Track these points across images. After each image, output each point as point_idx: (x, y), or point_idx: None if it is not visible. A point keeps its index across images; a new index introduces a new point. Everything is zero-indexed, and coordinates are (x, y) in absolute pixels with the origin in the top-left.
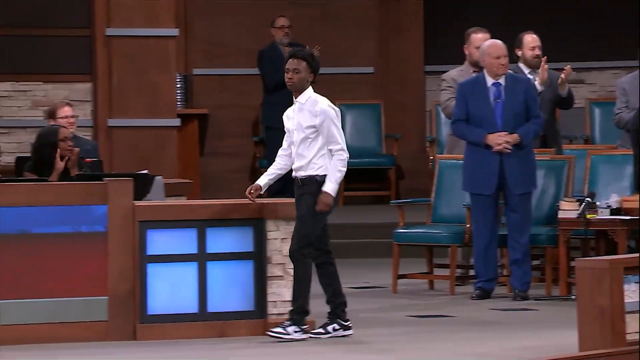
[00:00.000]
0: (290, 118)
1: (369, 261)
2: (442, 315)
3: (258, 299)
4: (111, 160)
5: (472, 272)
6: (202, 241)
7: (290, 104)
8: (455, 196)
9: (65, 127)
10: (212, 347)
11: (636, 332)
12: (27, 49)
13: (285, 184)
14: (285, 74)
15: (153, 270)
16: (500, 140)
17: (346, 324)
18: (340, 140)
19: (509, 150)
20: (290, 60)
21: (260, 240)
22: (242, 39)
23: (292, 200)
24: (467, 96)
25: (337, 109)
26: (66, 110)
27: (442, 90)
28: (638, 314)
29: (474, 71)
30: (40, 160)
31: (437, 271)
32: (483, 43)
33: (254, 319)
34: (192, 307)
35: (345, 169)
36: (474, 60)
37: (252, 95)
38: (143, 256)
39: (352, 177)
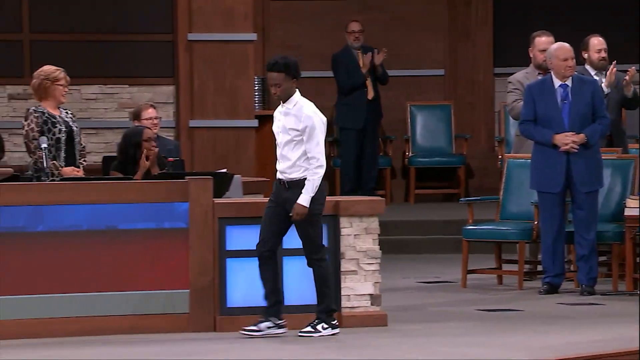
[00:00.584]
0: (276, 120)
1: (439, 257)
2: (511, 309)
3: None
4: (192, 159)
5: (539, 268)
6: None
7: (364, 104)
8: (523, 194)
9: (149, 128)
10: (287, 339)
11: None
12: (113, 54)
13: (360, 183)
14: (270, 90)
15: (232, 264)
16: (567, 140)
17: (280, 322)
18: (318, 149)
19: (575, 150)
20: (269, 75)
21: (335, 236)
22: (316, 43)
23: (367, 197)
24: (535, 97)
25: (323, 117)
26: (150, 112)
27: (508, 92)
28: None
29: (539, 73)
30: (126, 159)
31: (506, 267)
32: (549, 46)
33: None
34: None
35: (318, 177)
36: (538, 63)
37: (326, 97)
38: (222, 251)
39: (423, 176)
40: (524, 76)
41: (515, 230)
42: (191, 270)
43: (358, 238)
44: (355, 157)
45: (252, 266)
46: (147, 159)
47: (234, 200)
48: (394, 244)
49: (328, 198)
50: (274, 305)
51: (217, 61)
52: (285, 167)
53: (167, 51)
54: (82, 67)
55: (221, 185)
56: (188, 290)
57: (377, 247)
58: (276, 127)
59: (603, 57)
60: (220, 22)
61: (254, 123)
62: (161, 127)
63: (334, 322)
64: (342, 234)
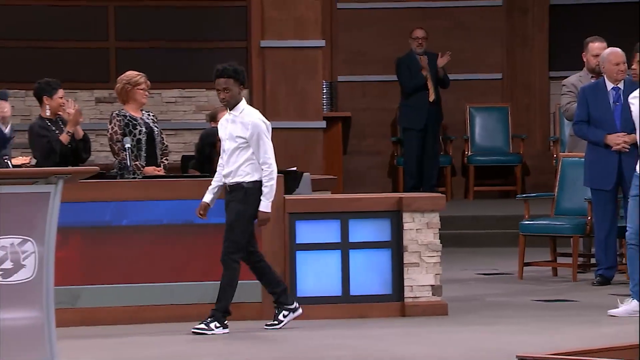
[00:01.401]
0: (223, 128)
1: (496, 250)
2: (565, 300)
3: (395, 283)
4: None
5: (593, 261)
6: (344, 231)
7: (425, 106)
8: (576, 191)
9: None
10: (354, 327)
11: None
12: (191, 60)
13: (422, 180)
14: (217, 94)
15: (301, 257)
16: (619, 140)
17: (292, 306)
18: (268, 154)
19: (627, 150)
20: (217, 80)
21: (398, 230)
22: (381, 49)
23: (428, 194)
24: (589, 99)
25: (267, 122)
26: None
27: (562, 94)
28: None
29: (592, 77)
30: (202, 158)
31: (560, 259)
32: (601, 51)
33: (392, 302)
34: (336, 290)
35: (272, 182)
36: (591, 67)
37: (390, 99)
38: (292, 244)
39: (482, 174)
40: (577, 79)
41: (570, 225)
42: None
43: (420, 232)
44: (417, 156)
45: (320, 258)
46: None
47: (304, 196)
48: (454, 238)
49: (392, 194)
50: (280, 296)
51: (288, 66)
52: (230, 172)
53: (241, 57)
54: (162, 73)
55: (291, 182)
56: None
57: (438, 241)
58: (223, 134)
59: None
60: (290, 29)
61: (322, 124)
62: None
63: (226, 323)
64: (404, 228)
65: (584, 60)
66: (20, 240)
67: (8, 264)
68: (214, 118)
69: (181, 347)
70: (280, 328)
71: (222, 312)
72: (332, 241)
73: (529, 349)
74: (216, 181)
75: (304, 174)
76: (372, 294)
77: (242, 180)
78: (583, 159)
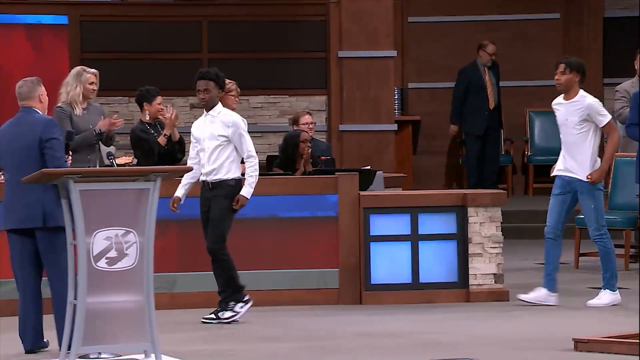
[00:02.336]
0: (200, 129)
1: None
2: (618, 287)
3: (461, 272)
4: (341, 158)
5: None
6: (414, 224)
7: (485, 113)
8: (629, 187)
9: (305, 131)
10: (423, 311)
11: None
12: (276, 70)
13: (483, 179)
14: (197, 94)
15: (375, 247)
16: None
17: (245, 298)
18: (250, 148)
19: None
20: (199, 81)
21: (463, 223)
22: (448, 58)
23: (491, 190)
24: None
25: (244, 120)
26: (307, 118)
27: (616, 100)
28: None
29: None
30: (286, 158)
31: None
32: None
33: (457, 289)
34: (406, 278)
35: (257, 173)
36: None
37: None
38: (367, 236)
39: (541, 172)
40: (630, 85)
41: (622, 218)
42: (341, 252)
43: (483, 225)
44: (477, 158)
45: (391, 249)
46: (301, 157)
47: (377, 192)
48: (515, 231)
49: (458, 191)
50: (233, 294)
51: (363, 74)
52: (212, 170)
53: (320, 66)
54: (250, 81)
55: (366, 180)
56: (338, 269)
57: (499, 233)
58: (201, 134)
59: None
60: (365, 41)
61: (394, 127)
62: (315, 131)
63: (245, 299)
64: (469, 222)
65: (636, 67)
66: (124, 231)
67: (113, 253)
68: (296, 122)
69: (264, 326)
70: (237, 320)
71: (239, 292)
72: (403, 233)
73: (584, 333)
74: (188, 178)
75: (377, 172)
76: (439, 281)
77: (225, 177)
78: (634, 158)
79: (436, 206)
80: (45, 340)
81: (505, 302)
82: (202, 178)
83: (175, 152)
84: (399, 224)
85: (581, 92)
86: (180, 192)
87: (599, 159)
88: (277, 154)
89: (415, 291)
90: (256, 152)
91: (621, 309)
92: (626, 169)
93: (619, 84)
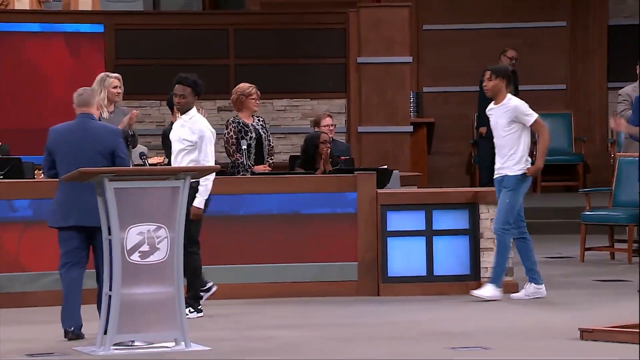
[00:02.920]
0: (173, 132)
1: (561, 237)
2: (621, 280)
3: (473, 265)
4: (360, 158)
5: None
6: (429, 220)
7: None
8: (631, 185)
9: (326, 133)
10: (437, 302)
11: None
12: (298, 74)
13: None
14: (174, 98)
15: (392, 242)
16: None
17: (198, 308)
18: (208, 158)
19: None
20: (177, 86)
21: (474, 219)
22: (460, 64)
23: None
24: None
25: (213, 130)
26: (327, 120)
27: (619, 102)
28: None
29: None
30: (307, 158)
31: (617, 245)
32: None
33: (469, 281)
34: (421, 271)
35: (209, 182)
36: None
37: (468, 107)
38: (384, 231)
39: (548, 171)
40: (632, 89)
41: (625, 215)
42: (359, 246)
43: (494, 221)
44: (489, 158)
45: (407, 244)
46: (320, 157)
47: (393, 190)
48: None
49: (470, 189)
50: (189, 299)
51: (380, 79)
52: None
53: (340, 72)
54: (274, 85)
55: (383, 178)
56: (357, 263)
57: None
58: (173, 136)
59: None
60: (383, 48)
61: (409, 128)
62: (335, 132)
63: (199, 307)
64: (480, 218)
65: (638, 72)
66: (155, 227)
67: (145, 247)
68: (317, 123)
69: (293, 316)
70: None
71: (194, 299)
72: (418, 229)
73: (590, 323)
74: None
75: (394, 171)
76: (452, 274)
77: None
78: (636, 158)
79: (449, 203)
80: (82, 330)
81: (514, 294)
82: None
83: None
84: (414, 220)
85: (508, 95)
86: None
87: (529, 158)
88: (299, 154)
89: (429, 283)
90: (279, 152)
91: (623, 301)
92: (629, 168)
93: (622, 87)
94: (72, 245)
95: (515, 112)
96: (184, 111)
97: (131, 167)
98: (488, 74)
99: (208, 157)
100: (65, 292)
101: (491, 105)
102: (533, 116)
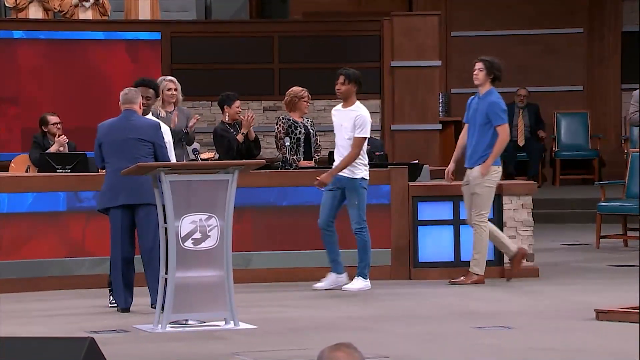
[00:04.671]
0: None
1: (578, 226)
2: (634, 265)
3: (497, 252)
4: (393, 153)
5: None
6: (456, 210)
7: (508, 146)
8: None
9: None
10: (464, 286)
11: None
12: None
13: (518, 171)
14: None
15: (422, 230)
16: None
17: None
18: (169, 154)
19: None
20: (143, 88)
21: (498, 209)
22: None
23: (522, 181)
24: None
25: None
26: None
27: (631, 104)
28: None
29: None
30: None
31: (630, 233)
32: None
33: (494, 266)
34: (449, 257)
35: None
36: None
37: None
38: (415, 221)
39: (567, 165)
40: None
41: (637, 205)
42: (392, 234)
43: (516, 211)
44: (512, 153)
45: (436, 232)
46: None
47: (424, 183)
48: (544, 216)
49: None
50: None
51: (412, 82)
52: None
53: (375, 74)
54: (315, 87)
55: (414, 172)
56: (390, 249)
57: (530, 218)
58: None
59: None
60: (414, 53)
61: (438, 126)
62: (370, 130)
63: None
64: (504, 208)
65: None
66: (207, 216)
67: (198, 235)
68: None
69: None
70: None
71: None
72: (446, 218)
73: (605, 305)
74: None
75: (424, 165)
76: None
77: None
78: None
79: None
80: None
81: (535, 278)
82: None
83: (251, 149)
84: (443, 210)
85: (358, 102)
86: None
87: (367, 164)
88: None
89: (457, 268)
90: (320, 148)
91: (636, 284)
92: None
93: (635, 89)
94: (122, 224)
95: (361, 120)
96: (146, 113)
97: (185, 161)
98: (342, 78)
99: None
100: (113, 268)
101: (338, 106)
102: (365, 134)
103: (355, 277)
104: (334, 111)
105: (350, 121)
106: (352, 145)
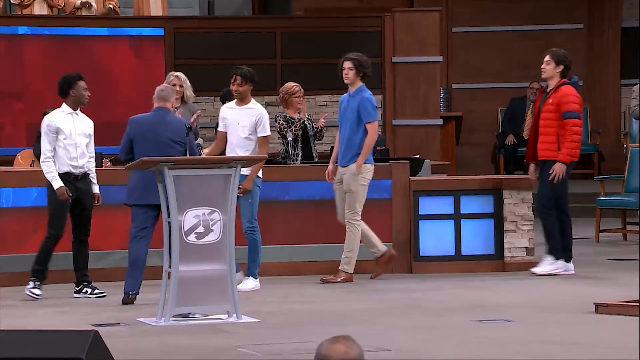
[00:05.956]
0: (69, 125)
1: (578, 220)
2: (633, 259)
3: (497, 246)
4: (394, 148)
5: None
6: (457, 205)
7: (521, 107)
8: None
9: None
10: (464, 279)
11: None
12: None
13: (518, 166)
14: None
15: (423, 224)
16: None
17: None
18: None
19: None
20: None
21: (499, 204)
22: (486, 63)
23: (523, 176)
24: None
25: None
26: None
27: (632, 98)
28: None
29: None
30: None
31: (629, 227)
32: None
33: (494, 260)
34: (450, 251)
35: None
36: None
37: (493, 102)
38: (416, 215)
39: None
40: None
41: (637, 200)
42: (394, 228)
43: (517, 206)
44: (512, 148)
45: (437, 226)
46: None
47: (425, 178)
48: None
49: (495, 176)
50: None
51: (413, 77)
52: (84, 163)
53: (377, 70)
54: (316, 83)
55: (415, 167)
56: (392, 243)
57: (530, 213)
58: (78, 130)
59: None
60: (415, 48)
61: (440, 122)
62: None
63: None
64: (504, 203)
65: None
66: (210, 210)
67: (201, 229)
68: None
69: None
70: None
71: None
72: (447, 213)
73: (605, 298)
74: (56, 171)
75: (425, 160)
76: (478, 253)
77: (87, 171)
78: None
79: (476, 189)
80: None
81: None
82: (71, 170)
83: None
84: (444, 205)
85: (253, 100)
86: (59, 183)
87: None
88: None
89: (457, 262)
90: (321, 143)
91: (635, 277)
92: None
93: (635, 84)
94: (144, 221)
95: (262, 119)
96: (76, 107)
97: (187, 156)
98: (239, 79)
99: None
100: (131, 260)
101: (232, 104)
102: (269, 132)
103: (246, 278)
104: (226, 108)
105: (248, 120)
106: (261, 145)
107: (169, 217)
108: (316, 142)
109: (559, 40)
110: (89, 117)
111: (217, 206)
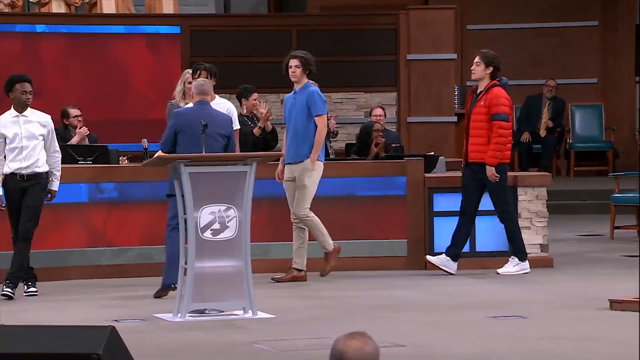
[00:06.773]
0: (14, 127)
1: (592, 217)
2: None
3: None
4: (409, 145)
5: None
6: None
7: (532, 133)
8: None
9: (378, 122)
10: (479, 276)
11: None
12: (354, 70)
13: (532, 163)
14: (24, 94)
15: (438, 221)
16: None
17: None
18: (56, 143)
19: None
20: (25, 84)
21: (513, 201)
22: (501, 60)
23: (537, 173)
24: None
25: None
26: (379, 111)
27: None
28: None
29: None
30: (361, 145)
31: None
32: None
33: (509, 257)
34: (464, 247)
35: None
36: None
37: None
38: (430, 212)
39: (581, 157)
40: None
41: None
42: (408, 225)
43: (531, 202)
44: (527, 146)
45: (453, 223)
46: (377, 145)
47: (439, 174)
48: (558, 207)
49: (509, 173)
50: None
51: (427, 74)
52: (30, 164)
53: (391, 67)
54: (332, 80)
55: (430, 164)
56: (406, 240)
57: (545, 209)
58: (24, 132)
59: None
60: (430, 46)
61: (454, 119)
62: (387, 122)
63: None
64: (519, 199)
65: None
66: (225, 207)
67: (217, 225)
68: (369, 114)
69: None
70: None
71: (15, 277)
72: None
73: (619, 295)
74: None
75: (440, 157)
76: (492, 250)
77: (41, 171)
78: None
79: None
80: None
81: (549, 268)
82: (15, 171)
83: (269, 141)
84: (458, 202)
85: (218, 97)
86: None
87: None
88: (354, 142)
89: (472, 258)
90: (336, 140)
91: None
92: None
93: None
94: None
95: (232, 113)
96: (24, 109)
97: (204, 153)
98: (205, 73)
99: (56, 143)
100: (168, 251)
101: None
102: (236, 126)
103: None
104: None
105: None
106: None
107: (185, 213)
108: (331, 139)
109: (573, 37)
110: (104, 114)
111: (233, 203)
